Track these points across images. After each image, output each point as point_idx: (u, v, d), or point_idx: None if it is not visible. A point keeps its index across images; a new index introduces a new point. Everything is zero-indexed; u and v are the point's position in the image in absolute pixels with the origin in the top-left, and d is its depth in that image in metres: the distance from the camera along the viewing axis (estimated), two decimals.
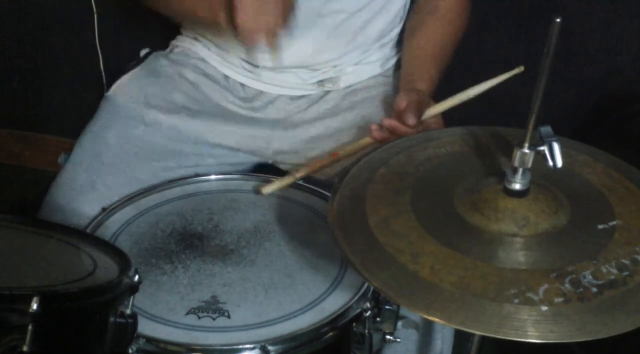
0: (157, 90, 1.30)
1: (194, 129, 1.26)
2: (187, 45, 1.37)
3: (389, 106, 1.28)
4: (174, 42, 1.41)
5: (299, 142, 1.27)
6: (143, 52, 1.41)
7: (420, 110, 1.10)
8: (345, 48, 1.29)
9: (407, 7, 1.34)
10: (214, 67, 1.34)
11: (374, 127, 1.10)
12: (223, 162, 1.27)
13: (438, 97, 1.17)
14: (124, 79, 1.34)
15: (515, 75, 1.05)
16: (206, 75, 1.34)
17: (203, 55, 1.35)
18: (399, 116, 1.10)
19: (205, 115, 1.28)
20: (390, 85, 1.34)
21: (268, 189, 1.11)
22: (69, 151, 1.23)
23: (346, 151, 1.13)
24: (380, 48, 1.34)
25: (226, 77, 1.34)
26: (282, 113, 1.30)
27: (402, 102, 1.12)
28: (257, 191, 1.12)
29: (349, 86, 1.33)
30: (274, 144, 1.28)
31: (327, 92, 1.32)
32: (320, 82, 1.32)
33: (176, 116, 1.26)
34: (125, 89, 1.31)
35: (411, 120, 1.08)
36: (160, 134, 1.24)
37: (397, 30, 1.35)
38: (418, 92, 1.16)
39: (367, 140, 1.11)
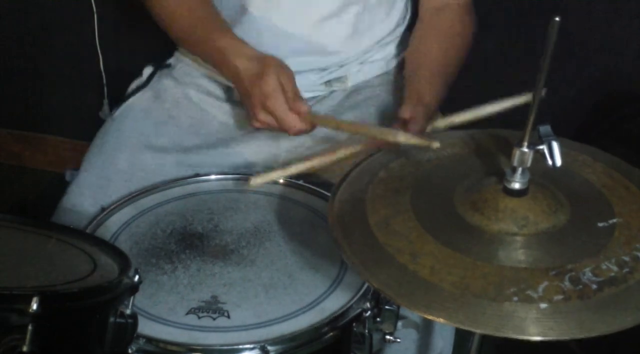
0: (164, 116, 1.29)
1: (202, 155, 1.24)
2: (188, 61, 1.36)
3: (390, 104, 1.29)
4: (174, 60, 1.39)
5: (306, 149, 1.25)
6: (146, 71, 1.39)
7: (425, 124, 1.09)
8: (349, 51, 1.30)
9: (409, 7, 1.35)
10: (217, 83, 1.33)
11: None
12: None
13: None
14: (131, 103, 1.32)
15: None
16: (210, 93, 1.33)
17: (205, 71, 1.34)
18: (403, 125, 1.08)
19: (213, 139, 1.27)
20: (393, 84, 1.34)
21: (256, 180, 1.10)
22: (68, 152, 1.23)
23: (343, 151, 1.08)
24: (384, 47, 1.34)
25: (230, 89, 1.32)
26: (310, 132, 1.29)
27: (406, 112, 1.10)
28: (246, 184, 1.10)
29: (355, 85, 1.33)
30: (282, 155, 1.26)
31: (332, 91, 1.33)
32: (328, 83, 1.32)
33: (183, 146, 1.25)
34: (133, 114, 1.29)
35: (414, 131, 1.06)
36: (168, 160, 1.22)
37: (401, 29, 1.35)
38: (424, 103, 1.14)
39: (364, 143, 1.10)
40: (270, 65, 1.12)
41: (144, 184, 1.17)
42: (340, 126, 1.15)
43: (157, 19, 1.29)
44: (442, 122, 1.10)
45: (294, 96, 1.11)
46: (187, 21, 1.24)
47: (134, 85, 1.38)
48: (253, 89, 1.11)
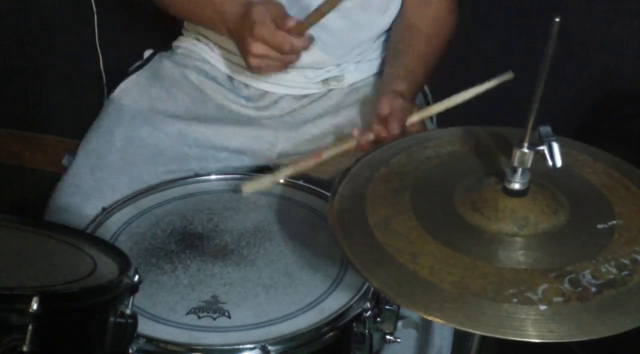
0: (161, 93, 1.30)
1: (199, 133, 1.26)
2: (189, 46, 1.37)
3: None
4: (176, 43, 1.41)
5: (303, 142, 1.27)
6: (147, 53, 1.40)
7: (404, 117, 1.09)
8: (345, 47, 1.30)
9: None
10: (217, 68, 1.35)
11: (356, 131, 1.09)
12: (227, 165, 1.27)
13: (437, 96, 1.17)
14: (129, 82, 1.33)
15: (514, 75, 1.05)
16: (210, 77, 1.34)
17: (206, 56, 1.35)
18: (383, 122, 1.09)
19: (210, 118, 1.28)
20: None
21: (248, 188, 1.10)
22: (69, 150, 1.23)
23: (329, 153, 1.10)
24: (379, 46, 1.34)
25: (230, 77, 1.34)
26: (286, 112, 1.31)
27: (384, 107, 1.11)
28: (236, 190, 1.11)
29: (352, 84, 1.33)
30: (279, 146, 1.27)
31: (330, 90, 1.33)
32: (325, 81, 1.33)
33: (180, 119, 1.26)
34: (130, 92, 1.31)
35: (395, 128, 1.07)
36: (165, 137, 1.24)
37: None
38: (401, 96, 1.15)
39: (350, 144, 1.09)
40: (257, 2, 1.12)
41: (140, 159, 1.19)
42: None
43: None
44: (417, 115, 1.11)
45: (279, 17, 1.10)
46: None
47: (133, 68, 1.38)
48: (242, 26, 1.11)
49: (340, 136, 1.22)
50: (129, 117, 1.26)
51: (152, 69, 1.35)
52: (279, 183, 1.13)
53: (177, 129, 1.25)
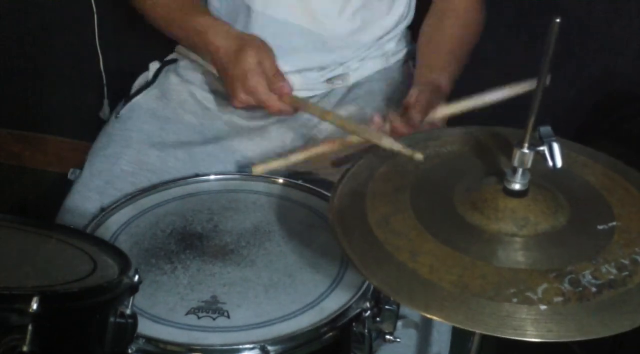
0: (169, 114, 1.29)
1: (207, 153, 1.24)
2: (192, 55, 1.37)
3: (390, 98, 1.29)
4: (178, 48, 1.40)
5: (310, 143, 1.25)
6: (152, 66, 1.39)
7: (428, 109, 1.09)
8: (349, 48, 1.30)
9: (412, 4, 1.35)
10: (220, 79, 1.34)
11: (376, 117, 1.07)
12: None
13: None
14: (136, 102, 1.31)
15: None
16: (214, 91, 1.33)
17: (208, 68, 1.34)
18: (407, 109, 1.09)
19: (218, 135, 1.27)
20: (394, 79, 1.35)
21: (258, 169, 1.09)
22: (68, 152, 1.23)
23: (340, 142, 1.10)
24: (386, 43, 1.34)
25: None
26: (292, 115, 1.30)
27: (412, 96, 1.11)
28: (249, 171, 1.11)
29: (355, 81, 1.33)
30: (287, 150, 1.26)
31: (333, 89, 1.33)
32: (330, 80, 1.33)
33: (189, 143, 1.25)
34: (139, 114, 1.28)
35: (416, 118, 1.07)
36: (174, 160, 1.22)
37: (402, 26, 1.36)
38: (433, 88, 1.14)
39: (356, 138, 1.08)
40: (248, 43, 1.12)
41: (149, 183, 1.16)
42: (325, 116, 1.13)
43: (141, 11, 1.30)
44: (442, 111, 1.10)
45: (274, 75, 1.11)
46: (167, 8, 1.25)
47: (140, 80, 1.37)
48: (232, 68, 1.12)
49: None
50: (138, 140, 1.23)
51: (159, 87, 1.33)
52: (279, 183, 1.13)
53: (185, 152, 1.23)
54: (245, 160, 1.24)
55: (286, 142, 1.26)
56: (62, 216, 1.17)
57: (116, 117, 1.30)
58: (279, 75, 1.13)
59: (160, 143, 1.24)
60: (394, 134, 1.05)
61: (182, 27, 1.23)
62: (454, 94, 1.15)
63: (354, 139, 1.08)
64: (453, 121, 1.12)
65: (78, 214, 1.15)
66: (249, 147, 1.25)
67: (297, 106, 1.15)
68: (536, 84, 0.74)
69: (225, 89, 1.18)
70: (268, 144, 1.26)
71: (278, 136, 1.27)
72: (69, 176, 1.25)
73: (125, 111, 1.30)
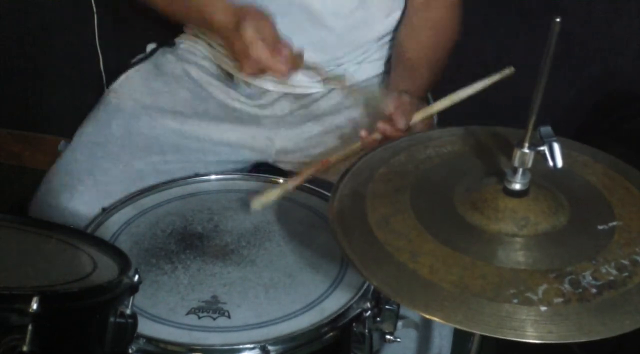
0: (162, 86, 1.31)
1: (198, 128, 1.26)
2: (191, 43, 1.38)
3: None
4: (178, 39, 1.41)
5: (303, 140, 1.27)
6: (150, 47, 1.41)
7: (410, 112, 1.11)
8: (346, 47, 1.30)
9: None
10: (218, 66, 1.35)
11: (362, 132, 1.10)
12: (225, 159, 1.27)
13: (437, 97, 1.17)
14: (131, 73, 1.34)
15: (514, 75, 1.05)
16: (211, 73, 1.34)
17: (207, 54, 1.36)
18: (389, 119, 1.10)
19: (210, 114, 1.29)
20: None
21: (257, 203, 1.08)
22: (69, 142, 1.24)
23: (337, 157, 1.11)
24: (382, 47, 1.34)
25: (231, 75, 1.35)
26: (287, 111, 1.31)
27: (390, 106, 1.12)
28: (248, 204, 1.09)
29: (354, 84, 1.33)
30: (277, 143, 1.28)
31: (331, 89, 1.33)
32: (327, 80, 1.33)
33: (180, 115, 1.27)
34: (131, 84, 1.32)
35: (401, 123, 1.08)
36: (163, 129, 1.25)
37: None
38: (406, 94, 1.16)
39: (357, 145, 1.11)
40: (246, 15, 1.13)
41: (138, 149, 1.20)
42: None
43: None
44: (421, 113, 1.12)
45: (273, 40, 1.13)
46: None
47: (135, 59, 1.39)
48: (234, 42, 1.13)
49: (345, 137, 1.23)
50: (129, 107, 1.26)
51: (155, 62, 1.36)
52: (279, 183, 1.13)
53: (175, 123, 1.26)
54: (233, 141, 1.27)
55: (281, 126, 1.28)
56: (49, 176, 1.21)
57: (109, 88, 1.33)
58: (279, 39, 1.14)
59: (150, 109, 1.26)
60: (385, 140, 1.06)
61: (181, 6, 1.24)
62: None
63: (353, 148, 1.11)
64: (454, 120, 1.12)
65: (65, 173, 1.19)
66: (238, 130, 1.27)
67: (300, 65, 1.16)
68: (536, 83, 0.74)
69: (233, 61, 1.21)
70: (256, 131, 1.28)
71: (268, 123, 1.29)
72: (59, 148, 1.27)
73: (117, 83, 1.33)
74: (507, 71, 1.04)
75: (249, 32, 1.11)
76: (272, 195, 1.07)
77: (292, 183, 1.09)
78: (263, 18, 1.14)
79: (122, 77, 1.34)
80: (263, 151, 1.29)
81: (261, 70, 1.14)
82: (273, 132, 1.28)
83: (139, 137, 1.23)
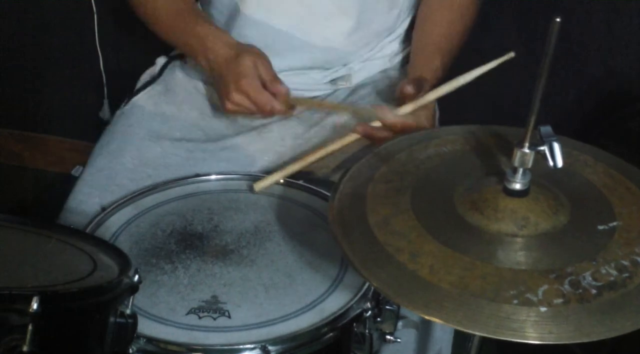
0: (174, 110, 1.29)
1: (209, 152, 1.24)
2: None
3: (393, 99, 1.29)
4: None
5: (311, 147, 1.25)
6: (159, 62, 1.39)
7: (420, 87, 1.12)
8: (352, 47, 1.30)
9: (414, 3, 1.35)
10: (213, 85, 1.34)
11: (359, 126, 1.11)
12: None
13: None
14: (141, 97, 1.32)
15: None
16: None
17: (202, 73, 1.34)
18: (401, 100, 1.12)
19: (220, 133, 1.27)
20: (398, 78, 1.35)
21: (259, 186, 1.10)
22: (68, 152, 1.23)
23: (334, 146, 1.12)
24: (388, 44, 1.35)
25: None
26: (295, 115, 1.30)
27: (408, 87, 1.14)
28: (250, 189, 1.12)
29: (359, 82, 1.33)
30: (288, 153, 1.25)
31: (336, 89, 1.33)
32: (333, 81, 1.33)
33: (191, 140, 1.25)
34: (143, 108, 1.29)
35: (408, 89, 1.11)
36: (175, 156, 1.22)
37: (405, 26, 1.36)
38: (427, 78, 1.17)
39: (353, 136, 1.11)
40: (247, 51, 1.15)
41: (148, 181, 1.17)
42: (321, 104, 1.19)
43: (141, 16, 1.31)
44: (428, 97, 1.13)
45: (270, 80, 1.14)
46: (168, 14, 1.27)
47: (146, 75, 1.38)
48: (228, 71, 1.14)
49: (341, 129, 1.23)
50: (141, 136, 1.24)
51: (165, 82, 1.34)
52: (278, 183, 1.13)
53: (186, 149, 1.24)
54: (245, 158, 1.24)
55: (287, 140, 1.26)
56: (65, 215, 1.17)
57: (120, 112, 1.31)
58: (275, 79, 1.15)
59: (162, 139, 1.24)
60: (382, 132, 1.09)
61: (182, 33, 1.24)
62: (454, 98, 1.15)
63: (350, 138, 1.11)
64: (454, 120, 1.12)
65: (80, 211, 1.15)
66: (250, 147, 1.25)
67: (293, 103, 1.17)
68: (536, 83, 0.74)
69: (217, 94, 1.20)
70: (268, 143, 1.26)
71: (279, 134, 1.27)
72: (72, 172, 1.26)
73: (128, 107, 1.31)
74: (507, 57, 1.05)
75: (247, 63, 1.13)
76: (274, 177, 1.10)
77: (292, 169, 1.10)
78: (262, 57, 1.16)
79: (132, 102, 1.31)
80: (274, 162, 1.26)
81: (245, 105, 1.14)
82: (282, 139, 1.26)
83: (150, 167, 1.20)
